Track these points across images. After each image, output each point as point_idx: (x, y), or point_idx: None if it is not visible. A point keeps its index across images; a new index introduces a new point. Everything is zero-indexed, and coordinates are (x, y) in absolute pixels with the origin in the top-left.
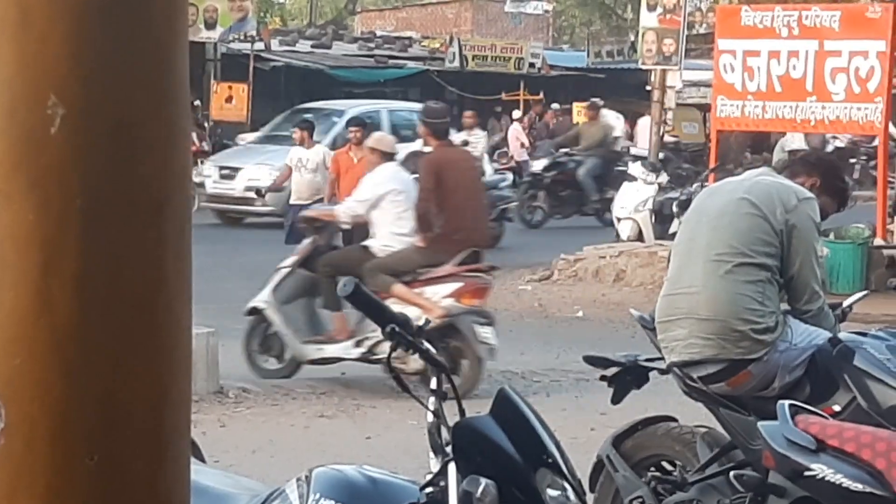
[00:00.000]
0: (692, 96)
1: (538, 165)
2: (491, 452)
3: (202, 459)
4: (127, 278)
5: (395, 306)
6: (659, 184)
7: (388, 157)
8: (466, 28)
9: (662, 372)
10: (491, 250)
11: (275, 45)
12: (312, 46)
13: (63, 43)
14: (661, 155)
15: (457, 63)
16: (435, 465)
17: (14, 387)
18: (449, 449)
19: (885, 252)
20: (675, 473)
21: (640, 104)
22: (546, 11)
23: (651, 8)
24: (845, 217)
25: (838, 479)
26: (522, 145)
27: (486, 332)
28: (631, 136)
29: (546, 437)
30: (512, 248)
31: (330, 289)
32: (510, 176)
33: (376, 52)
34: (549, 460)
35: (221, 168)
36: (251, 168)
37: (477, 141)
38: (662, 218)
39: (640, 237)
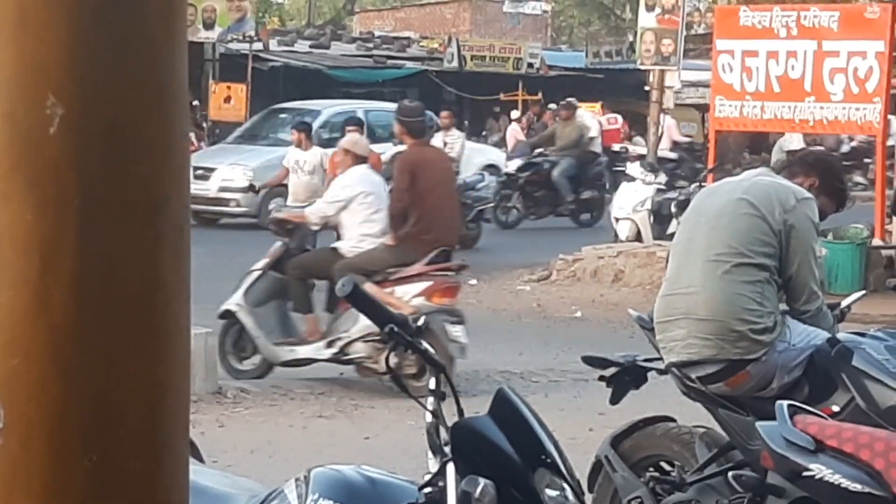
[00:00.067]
0: (691, 97)
1: (513, 166)
2: (489, 453)
3: (201, 460)
4: (125, 278)
5: None
6: (657, 184)
7: (361, 159)
8: (465, 28)
9: (661, 372)
10: (467, 251)
11: (273, 45)
12: (311, 47)
13: (60, 43)
14: (674, 155)
15: (455, 63)
16: (433, 466)
17: (11, 387)
18: (447, 449)
19: (884, 252)
20: (673, 474)
21: (638, 104)
22: (544, 12)
23: (649, 8)
24: (844, 217)
25: (837, 479)
26: None
27: (456, 331)
28: (630, 137)
29: (545, 438)
30: (488, 249)
31: (300, 291)
32: (489, 177)
33: (375, 52)
34: (548, 460)
35: (196, 168)
36: (225, 168)
37: (454, 141)
38: (661, 218)
39: (638, 237)
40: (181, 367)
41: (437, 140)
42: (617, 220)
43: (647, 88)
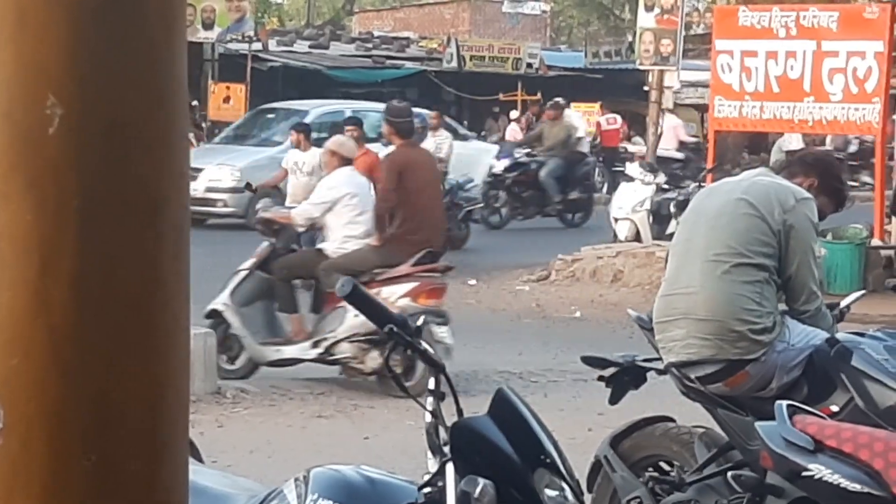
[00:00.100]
0: (690, 97)
1: (500, 166)
2: (489, 453)
3: (200, 460)
4: (124, 278)
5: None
6: (657, 184)
7: (346, 161)
8: (464, 28)
9: (660, 372)
10: (457, 252)
11: (272, 45)
12: (310, 47)
13: (60, 43)
14: (682, 155)
15: (454, 63)
16: (433, 466)
17: (11, 387)
18: (447, 449)
19: (883, 252)
20: (672, 474)
21: (637, 105)
22: (544, 12)
23: (649, 8)
24: (843, 217)
25: (836, 479)
26: None
27: (442, 332)
28: (629, 137)
29: (544, 438)
30: (476, 249)
31: (285, 291)
32: (476, 177)
33: (374, 52)
34: (547, 460)
35: None
36: (212, 169)
37: (442, 142)
38: (660, 218)
39: (637, 237)
40: (181, 367)
41: (428, 140)
42: (616, 220)
43: (646, 88)
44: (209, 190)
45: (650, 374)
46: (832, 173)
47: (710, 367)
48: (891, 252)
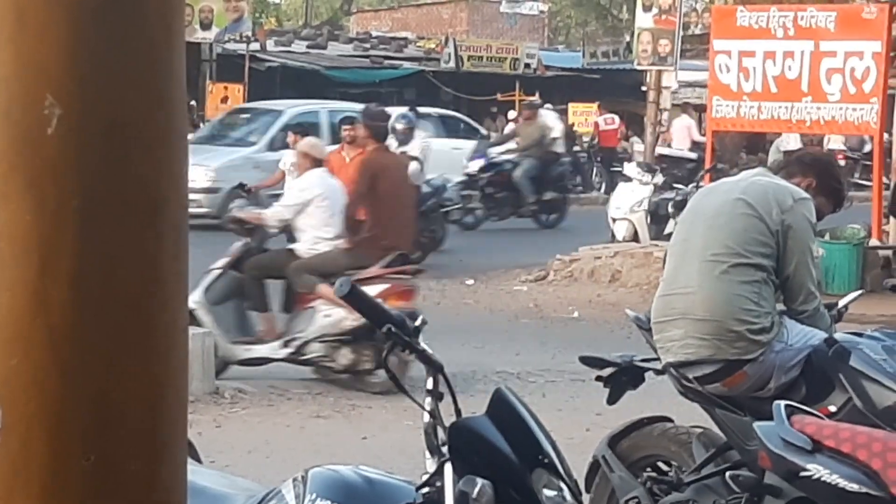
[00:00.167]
0: (687, 97)
1: (474, 166)
2: (487, 453)
3: (198, 460)
4: (123, 278)
5: (321, 306)
6: (654, 184)
7: (318, 163)
8: (462, 28)
9: (658, 372)
10: (435, 253)
11: (270, 45)
12: (308, 47)
13: (59, 43)
14: (695, 155)
15: (452, 63)
16: (431, 466)
17: (10, 387)
18: (445, 449)
19: (881, 252)
20: (670, 474)
21: (635, 105)
22: (541, 12)
23: (647, 8)
24: (841, 217)
25: (834, 479)
26: None
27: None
28: (626, 137)
29: (542, 438)
30: (452, 250)
31: (257, 290)
32: (453, 178)
33: (372, 52)
34: (546, 460)
35: None
36: None
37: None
38: (658, 218)
39: (635, 238)
40: (180, 368)
41: (415, 141)
42: (614, 220)
43: (643, 89)
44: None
45: (648, 375)
46: (830, 173)
47: (708, 367)
48: (889, 252)
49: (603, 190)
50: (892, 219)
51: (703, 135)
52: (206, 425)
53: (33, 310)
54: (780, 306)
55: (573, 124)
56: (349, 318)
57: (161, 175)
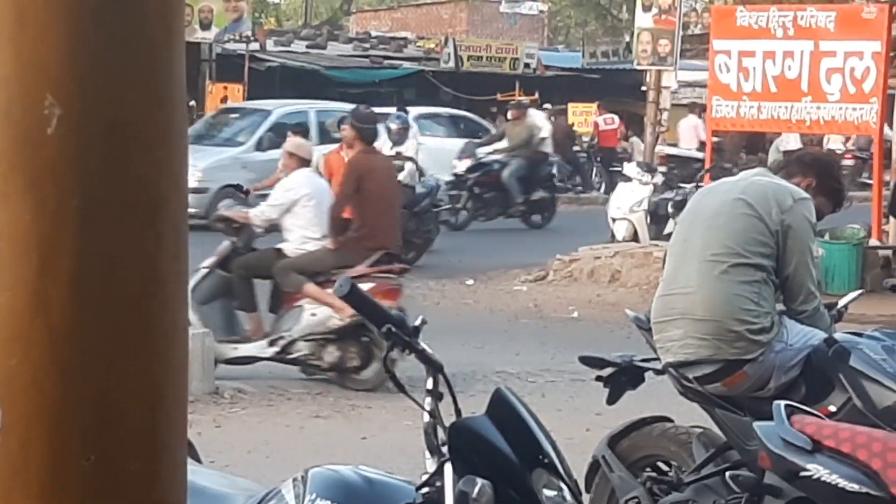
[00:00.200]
0: (687, 97)
1: (461, 167)
2: (487, 453)
3: (198, 460)
4: (123, 278)
5: (307, 305)
6: (654, 184)
7: (305, 162)
8: (461, 28)
9: (658, 372)
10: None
11: (270, 45)
12: (307, 47)
13: (59, 43)
14: (701, 155)
15: (452, 63)
16: (431, 466)
17: (10, 387)
18: (445, 449)
19: (881, 252)
20: (670, 474)
21: (635, 105)
22: (541, 12)
23: (646, 8)
24: (841, 217)
25: (834, 479)
26: None
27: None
28: (626, 137)
29: (542, 438)
30: (441, 251)
31: (244, 290)
32: (442, 179)
33: (371, 52)
34: (546, 460)
35: None
36: None
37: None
38: (658, 218)
39: (635, 238)
40: (180, 368)
41: (410, 141)
42: (614, 220)
43: (643, 89)
44: None
45: (648, 375)
46: (830, 173)
47: (707, 367)
48: (888, 252)
49: (603, 190)
50: (891, 219)
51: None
52: (206, 425)
53: (33, 310)
54: (780, 306)
55: (573, 124)
56: (335, 317)
57: (161, 175)
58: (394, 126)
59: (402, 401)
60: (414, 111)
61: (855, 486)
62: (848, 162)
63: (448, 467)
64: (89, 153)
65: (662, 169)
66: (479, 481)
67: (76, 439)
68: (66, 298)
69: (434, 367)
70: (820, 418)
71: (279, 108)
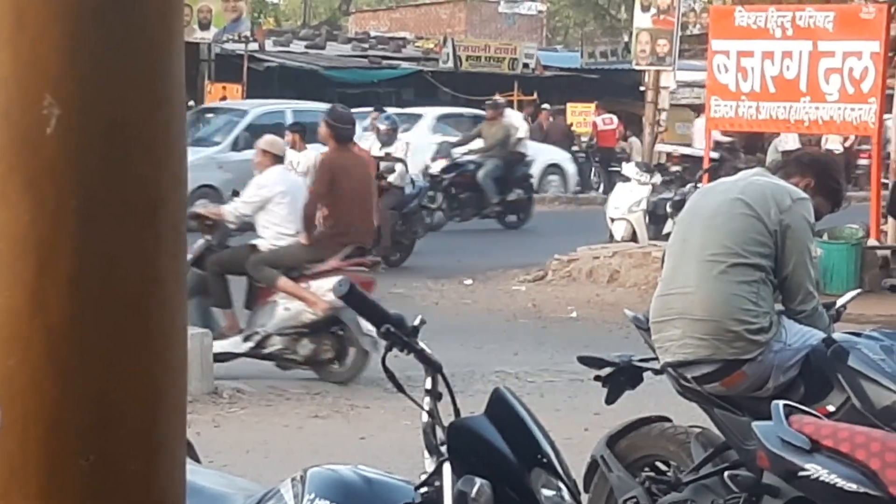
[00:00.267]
0: (686, 97)
1: (436, 167)
2: (486, 452)
3: (197, 460)
4: (122, 278)
5: (281, 300)
6: (652, 184)
7: (278, 159)
8: (460, 28)
9: (656, 372)
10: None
11: (269, 45)
12: (306, 47)
13: (58, 44)
14: (716, 154)
15: (451, 64)
16: (430, 466)
17: (8, 387)
18: (444, 449)
19: (879, 252)
20: (669, 474)
21: (633, 105)
22: (540, 12)
23: (645, 9)
24: (839, 217)
25: (833, 479)
26: None
27: (369, 325)
28: (625, 137)
29: (541, 437)
30: (422, 252)
31: (218, 287)
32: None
33: (370, 52)
34: (544, 460)
35: None
36: None
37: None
38: (656, 218)
39: (633, 238)
40: (178, 368)
41: (399, 142)
42: (612, 220)
43: (642, 89)
44: None
45: (646, 374)
46: (829, 173)
47: (706, 367)
48: (887, 252)
49: (601, 190)
50: (890, 219)
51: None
52: (205, 425)
53: (32, 310)
54: (779, 306)
55: (571, 124)
56: (308, 311)
57: (160, 175)
58: (382, 127)
59: (401, 401)
60: (435, 111)
61: (853, 486)
62: (864, 161)
63: (447, 467)
64: (88, 153)
65: (676, 168)
66: (478, 481)
67: (75, 439)
68: (65, 298)
69: (433, 367)
70: (818, 418)
71: (255, 108)
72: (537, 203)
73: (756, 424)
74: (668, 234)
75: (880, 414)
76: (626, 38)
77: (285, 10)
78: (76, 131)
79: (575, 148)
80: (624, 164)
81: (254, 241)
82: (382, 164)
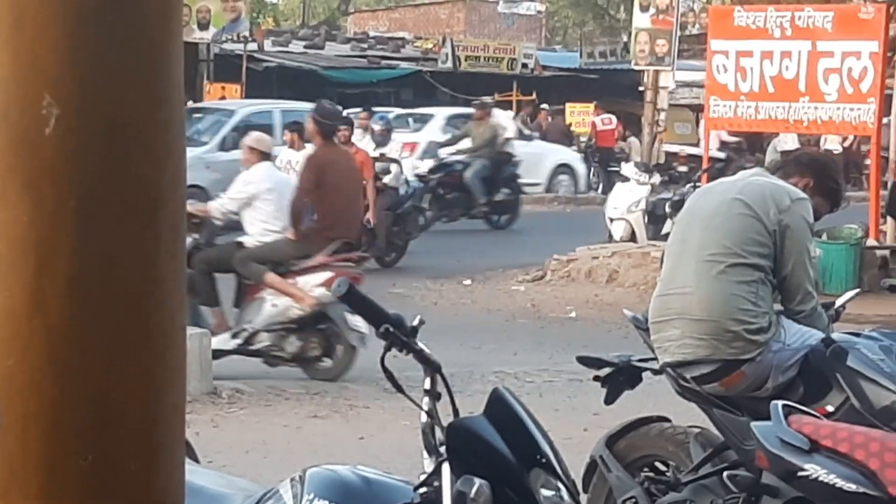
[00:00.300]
0: (685, 97)
1: (423, 167)
2: (485, 453)
3: (196, 460)
4: (121, 278)
5: (269, 296)
6: (652, 184)
7: (265, 156)
8: (459, 29)
9: (655, 372)
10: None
11: (268, 45)
12: (305, 47)
13: (57, 44)
14: (723, 155)
15: (449, 64)
16: (429, 466)
17: (8, 387)
18: (443, 449)
19: (878, 253)
20: (668, 474)
21: (632, 105)
22: (539, 12)
23: (644, 9)
24: (838, 218)
25: (832, 479)
26: None
27: (356, 320)
28: (624, 137)
29: (540, 438)
30: (415, 252)
31: (206, 285)
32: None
33: (369, 52)
34: (543, 460)
35: None
36: None
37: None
38: (655, 218)
39: (632, 238)
40: (178, 368)
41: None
42: (611, 220)
43: (641, 89)
44: None
45: (645, 375)
46: (828, 174)
47: (705, 367)
48: (886, 252)
49: (600, 190)
50: (889, 219)
51: (732, 135)
52: (204, 425)
53: (31, 310)
54: (778, 306)
55: (570, 124)
56: (295, 307)
57: (160, 175)
58: (377, 127)
59: (400, 401)
60: (446, 112)
61: (852, 486)
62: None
63: (446, 467)
64: (87, 153)
65: (683, 168)
66: (477, 481)
67: (74, 439)
68: (65, 299)
69: (432, 367)
70: (817, 418)
71: (243, 108)
72: (536, 203)
73: (755, 424)
74: (667, 234)
75: (879, 414)
76: (625, 39)
77: (284, 10)
78: (75, 131)
79: (574, 148)
80: (623, 164)
81: (240, 239)
82: (377, 165)
